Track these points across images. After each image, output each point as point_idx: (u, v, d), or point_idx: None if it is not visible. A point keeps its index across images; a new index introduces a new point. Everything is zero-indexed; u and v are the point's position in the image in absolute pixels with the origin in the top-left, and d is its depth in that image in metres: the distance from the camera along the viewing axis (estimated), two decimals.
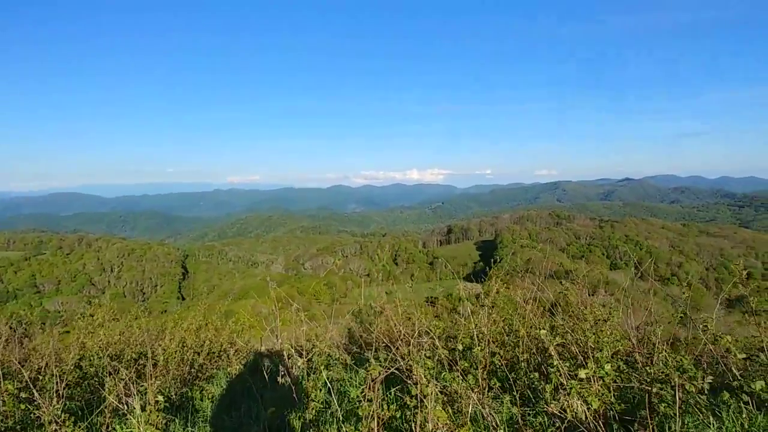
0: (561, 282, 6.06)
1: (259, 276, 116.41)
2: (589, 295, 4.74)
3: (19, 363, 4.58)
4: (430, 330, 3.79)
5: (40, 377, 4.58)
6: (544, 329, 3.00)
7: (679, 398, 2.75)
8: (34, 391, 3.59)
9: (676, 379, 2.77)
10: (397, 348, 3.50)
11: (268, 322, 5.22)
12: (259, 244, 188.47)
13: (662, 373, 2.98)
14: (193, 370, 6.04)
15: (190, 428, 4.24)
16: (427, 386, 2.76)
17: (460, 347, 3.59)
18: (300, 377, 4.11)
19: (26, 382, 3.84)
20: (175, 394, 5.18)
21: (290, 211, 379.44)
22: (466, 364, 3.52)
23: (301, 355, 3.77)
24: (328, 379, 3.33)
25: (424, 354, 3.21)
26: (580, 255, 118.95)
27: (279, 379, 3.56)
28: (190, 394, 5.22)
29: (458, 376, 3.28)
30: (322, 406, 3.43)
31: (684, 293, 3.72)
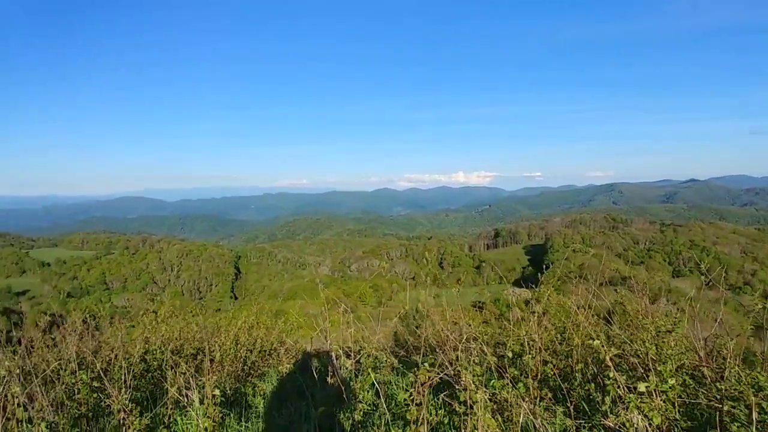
0: (617, 289, 5.75)
1: (307, 277, 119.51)
2: (649, 303, 4.46)
3: (92, 354, 4.96)
4: (479, 336, 3.72)
5: (110, 368, 4.97)
6: (597, 339, 2.85)
7: (755, 419, 2.53)
8: (105, 380, 3.89)
9: (752, 398, 2.55)
10: (444, 353, 3.47)
11: (317, 322, 5.35)
12: (306, 246, 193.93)
13: (735, 390, 2.76)
14: (246, 367, 6.29)
15: (244, 423, 4.42)
16: (476, 393, 2.72)
17: (510, 354, 3.49)
18: (348, 378, 4.17)
19: (98, 372, 4.16)
20: (230, 390, 5.43)
21: (336, 215, 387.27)
22: (516, 372, 3.42)
23: (349, 357, 3.83)
24: (375, 381, 3.36)
25: (473, 360, 3.16)
26: (639, 261, 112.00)
27: (328, 379, 3.64)
28: (243, 390, 5.44)
29: (508, 384, 3.20)
30: (369, 408, 3.46)
31: (758, 303, 3.41)
